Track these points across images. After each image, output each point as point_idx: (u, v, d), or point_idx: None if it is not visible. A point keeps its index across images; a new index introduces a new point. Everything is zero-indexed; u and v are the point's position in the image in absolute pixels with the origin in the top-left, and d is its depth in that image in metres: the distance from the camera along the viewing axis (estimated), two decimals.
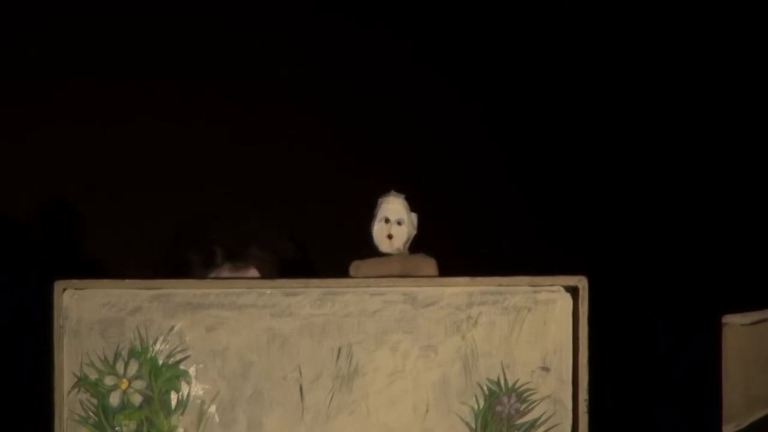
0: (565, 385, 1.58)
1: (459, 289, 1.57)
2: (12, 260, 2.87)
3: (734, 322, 1.91)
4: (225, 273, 1.89)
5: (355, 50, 3.07)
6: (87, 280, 1.59)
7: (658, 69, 3.09)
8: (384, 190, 1.70)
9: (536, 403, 1.58)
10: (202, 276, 1.89)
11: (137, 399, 1.55)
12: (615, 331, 2.69)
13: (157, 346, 1.55)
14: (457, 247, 1.71)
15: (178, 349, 1.55)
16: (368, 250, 1.70)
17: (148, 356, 1.55)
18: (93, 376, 1.54)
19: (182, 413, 1.55)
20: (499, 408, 1.57)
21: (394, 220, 1.61)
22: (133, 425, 1.55)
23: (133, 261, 2.64)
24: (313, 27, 3.05)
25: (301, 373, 1.56)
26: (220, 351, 1.55)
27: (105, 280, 1.63)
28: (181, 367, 1.55)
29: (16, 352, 2.69)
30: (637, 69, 3.10)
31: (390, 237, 1.60)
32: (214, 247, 1.93)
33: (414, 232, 1.62)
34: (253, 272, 1.88)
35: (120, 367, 1.54)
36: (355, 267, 1.61)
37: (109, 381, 1.54)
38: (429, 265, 1.63)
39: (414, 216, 1.68)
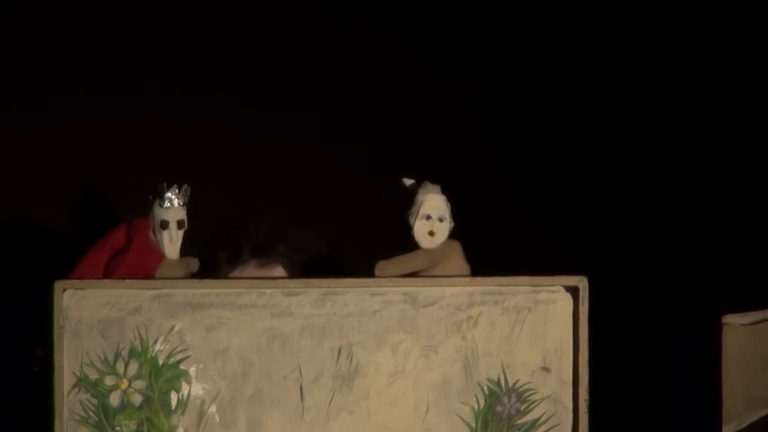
0: (566, 385, 1.58)
1: (459, 289, 1.57)
2: (12, 260, 2.87)
3: (734, 322, 1.91)
4: (250, 269, 1.88)
5: (356, 50, 3.07)
6: (87, 280, 1.59)
7: (658, 69, 3.09)
8: (383, 190, 1.70)
9: (536, 403, 1.58)
10: (229, 272, 1.88)
11: (137, 399, 1.55)
12: (615, 331, 2.69)
13: (158, 346, 1.55)
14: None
15: (179, 349, 1.55)
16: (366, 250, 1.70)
17: (149, 356, 1.54)
18: (93, 376, 1.54)
19: (182, 413, 1.55)
20: (499, 408, 1.57)
21: (435, 217, 1.60)
22: (133, 425, 1.55)
23: None
24: (314, 27, 3.05)
25: (301, 373, 1.56)
26: (221, 351, 1.55)
27: (105, 280, 1.63)
28: (182, 367, 1.55)
29: (16, 353, 2.69)
30: (637, 69, 3.10)
31: (432, 234, 1.59)
32: (241, 243, 1.91)
33: (452, 225, 1.61)
34: (279, 270, 1.86)
35: (120, 367, 1.54)
36: (380, 267, 1.59)
37: (109, 381, 1.54)
38: (455, 250, 1.61)
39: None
